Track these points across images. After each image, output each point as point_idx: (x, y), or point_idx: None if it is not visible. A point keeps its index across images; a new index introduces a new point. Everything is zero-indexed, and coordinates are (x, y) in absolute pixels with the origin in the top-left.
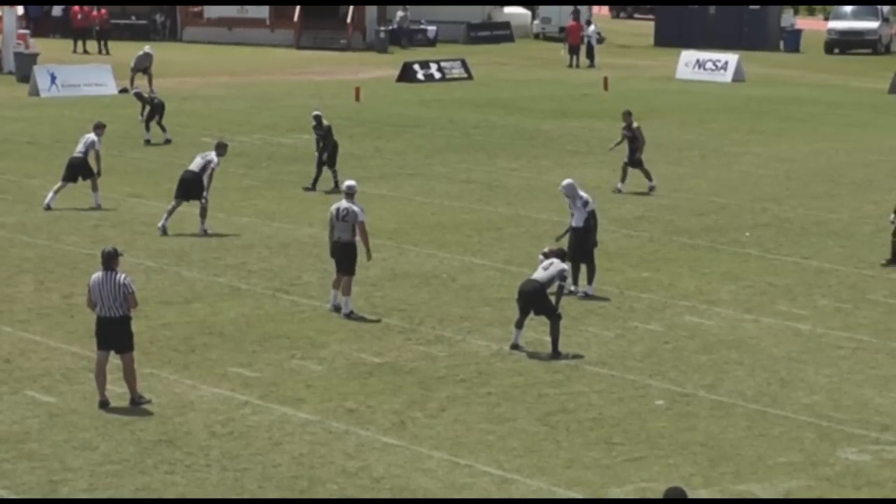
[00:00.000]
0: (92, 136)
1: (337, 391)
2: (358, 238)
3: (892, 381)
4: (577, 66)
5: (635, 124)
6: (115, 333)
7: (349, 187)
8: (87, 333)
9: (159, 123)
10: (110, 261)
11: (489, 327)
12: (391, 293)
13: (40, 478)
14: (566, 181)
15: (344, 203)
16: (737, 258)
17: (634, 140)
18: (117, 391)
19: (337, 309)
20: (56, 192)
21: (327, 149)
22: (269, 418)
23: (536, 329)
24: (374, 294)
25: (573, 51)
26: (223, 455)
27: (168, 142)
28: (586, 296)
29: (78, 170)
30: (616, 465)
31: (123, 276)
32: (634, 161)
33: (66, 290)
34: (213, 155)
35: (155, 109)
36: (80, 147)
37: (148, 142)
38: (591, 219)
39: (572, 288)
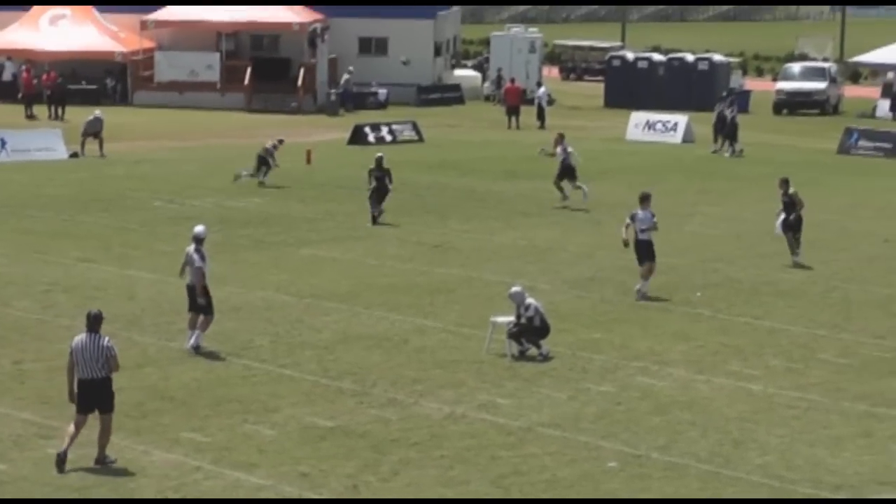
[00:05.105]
0: None
1: (290, 455)
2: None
3: (844, 441)
4: (518, 127)
5: (792, 190)
6: (97, 394)
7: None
8: (39, 399)
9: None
10: (96, 323)
11: (442, 389)
12: (343, 356)
13: None
14: (515, 289)
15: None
16: (688, 318)
17: (792, 205)
18: (78, 452)
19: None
20: None
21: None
22: (221, 483)
23: (489, 391)
24: (326, 357)
25: (511, 112)
26: None
27: (262, 183)
28: (542, 356)
29: None
30: None
31: (107, 339)
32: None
33: (16, 355)
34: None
35: (261, 162)
36: None
37: (262, 184)
38: (539, 316)
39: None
